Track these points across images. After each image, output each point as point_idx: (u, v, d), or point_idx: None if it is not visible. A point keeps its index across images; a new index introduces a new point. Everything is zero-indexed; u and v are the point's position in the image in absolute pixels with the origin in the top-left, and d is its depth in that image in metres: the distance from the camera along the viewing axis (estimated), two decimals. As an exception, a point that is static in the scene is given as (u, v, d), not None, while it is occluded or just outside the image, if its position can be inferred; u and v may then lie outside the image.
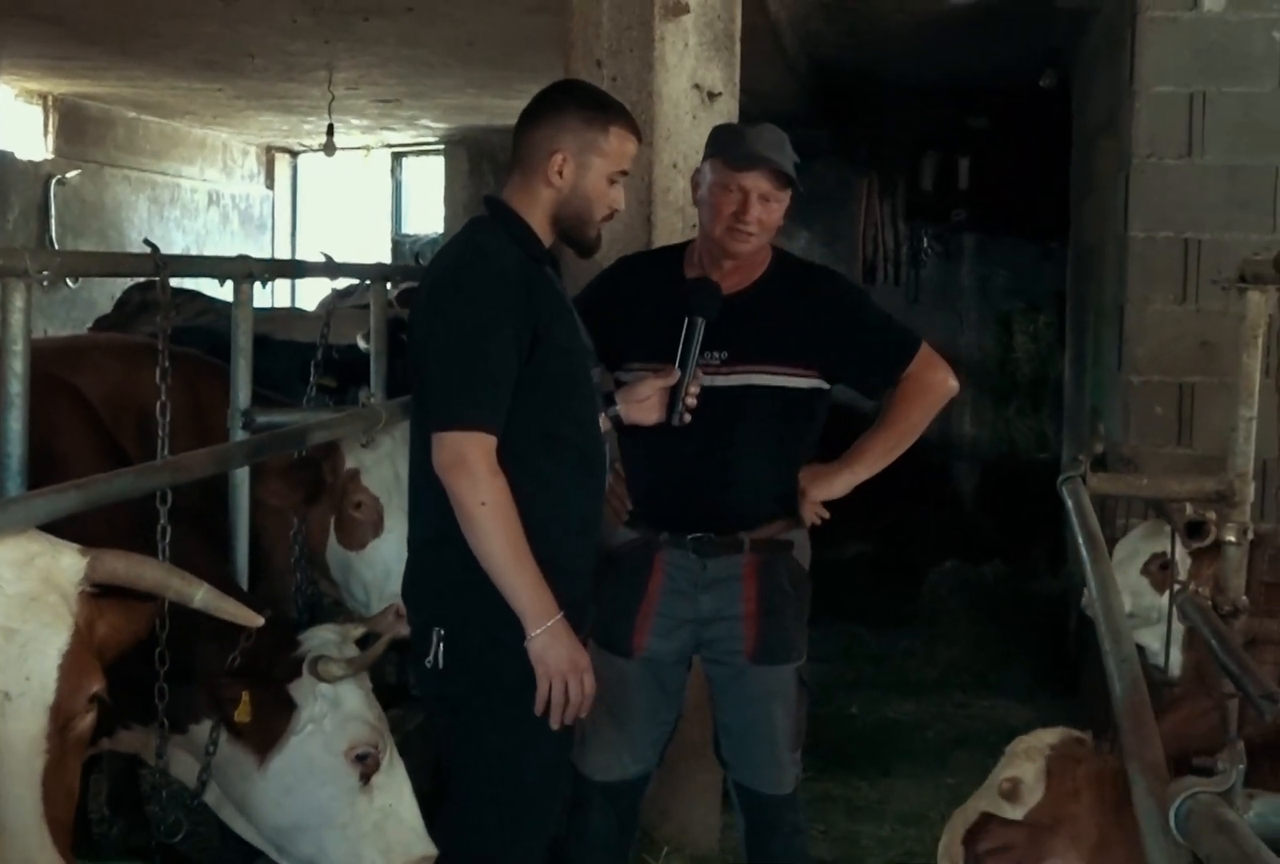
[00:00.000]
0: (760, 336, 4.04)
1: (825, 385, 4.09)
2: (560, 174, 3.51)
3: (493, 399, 3.36)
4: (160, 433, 3.88)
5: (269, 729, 3.64)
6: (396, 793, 3.72)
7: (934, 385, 4.14)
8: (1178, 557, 4.51)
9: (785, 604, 4.10)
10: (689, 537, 4.07)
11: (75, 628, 2.70)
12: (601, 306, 4.04)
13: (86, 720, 2.76)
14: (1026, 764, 2.74)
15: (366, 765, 3.67)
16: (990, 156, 10.95)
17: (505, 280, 3.42)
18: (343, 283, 8.10)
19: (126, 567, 2.89)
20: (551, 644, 3.38)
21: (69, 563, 2.76)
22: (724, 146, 4.05)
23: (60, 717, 2.65)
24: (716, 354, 4.00)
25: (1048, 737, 2.82)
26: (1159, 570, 4.61)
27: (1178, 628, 4.37)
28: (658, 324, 3.96)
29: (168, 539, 3.59)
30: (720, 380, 4.00)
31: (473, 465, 3.31)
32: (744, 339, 4.02)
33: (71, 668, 2.66)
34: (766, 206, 3.98)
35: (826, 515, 4.12)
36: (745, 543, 4.07)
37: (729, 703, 4.18)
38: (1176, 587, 4.06)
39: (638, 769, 4.21)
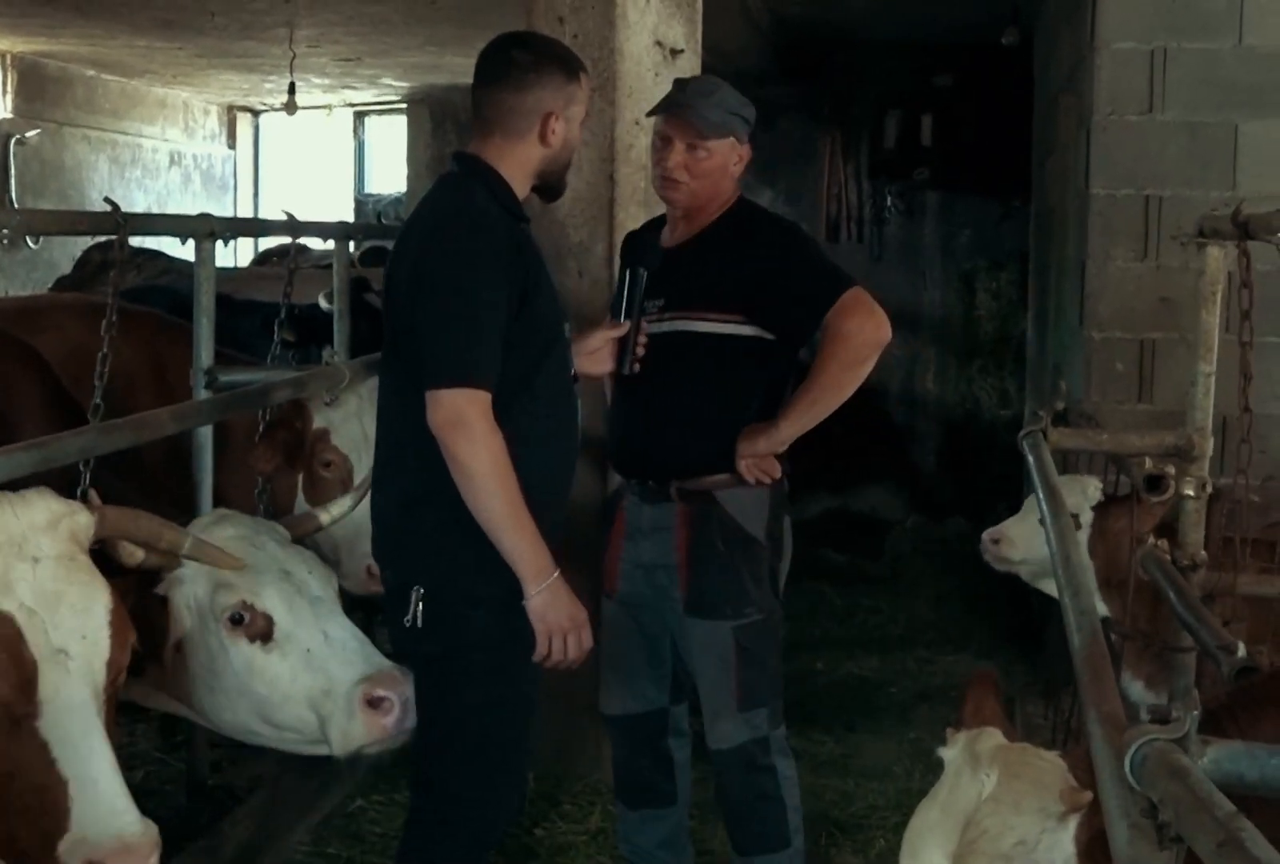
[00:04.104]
0: (694, 284, 4.05)
1: (763, 334, 4.00)
2: (554, 132, 3.53)
3: (488, 356, 3.34)
4: (96, 382, 3.80)
5: (158, 634, 3.34)
6: (311, 631, 3.34)
7: (848, 335, 3.86)
8: (1076, 509, 4.60)
9: (714, 558, 4.02)
10: (633, 481, 4.17)
11: (109, 584, 2.73)
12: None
13: (125, 671, 2.81)
14: (993, 769, 2.44)
15: (250, 627, 3.31)
16: (954, 115, 10.92)
17: (495, 236, 3.41)
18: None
19: (129, 521, 2.95)
20: (552, 602, 3.39)
21: (84, 521, 2.78)
22: (664, 98, 4.13)
23: (114, 670, 2.69)
24: (654, 302, 4.05)
25: (986, 739, 2.52)
26: None
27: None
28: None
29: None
30: (654, 327, 4.03)
31: (472, 424, 3.28)
32: (679, 287, 4.05)
33: (116, 622, 2.70)
34: (693, 155, 3.99)
35: (776, 475, 4.04)
36: (673, 491, 4.07)
37: (680, 649, 4.21)
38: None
39: (641, 706, 4.26)
